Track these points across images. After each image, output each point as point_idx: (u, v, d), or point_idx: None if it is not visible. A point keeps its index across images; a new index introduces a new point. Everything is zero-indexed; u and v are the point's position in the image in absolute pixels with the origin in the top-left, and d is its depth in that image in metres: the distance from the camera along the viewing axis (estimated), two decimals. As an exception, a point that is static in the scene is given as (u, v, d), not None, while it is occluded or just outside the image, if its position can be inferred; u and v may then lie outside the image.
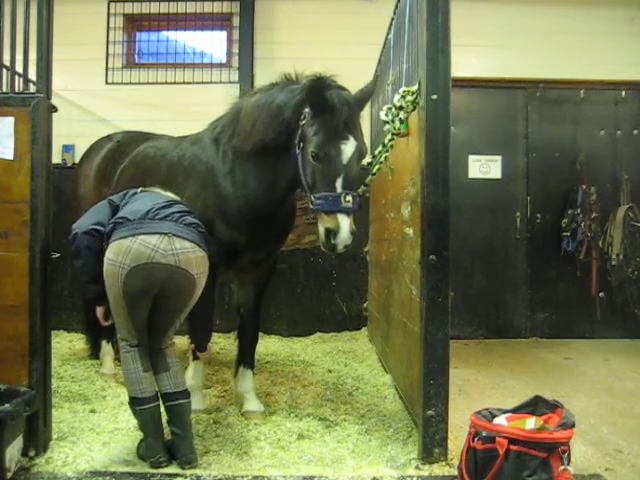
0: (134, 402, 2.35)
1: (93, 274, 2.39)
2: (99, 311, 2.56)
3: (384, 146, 3.12)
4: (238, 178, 2.82)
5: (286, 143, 2.60)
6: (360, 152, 2.51)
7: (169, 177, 3.08)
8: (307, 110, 2.50)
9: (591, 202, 5.09)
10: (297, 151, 2.53)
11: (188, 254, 2.32)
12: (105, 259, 2.30)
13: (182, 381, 2.48)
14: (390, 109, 2.86)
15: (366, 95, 2.68)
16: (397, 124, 2.85)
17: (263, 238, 2.90)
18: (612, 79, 5.14)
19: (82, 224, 2.43)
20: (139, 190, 2.62)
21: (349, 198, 2.37)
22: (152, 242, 2.26)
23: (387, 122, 2.91)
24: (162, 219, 2.35)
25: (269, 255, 3.07)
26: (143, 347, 2.41)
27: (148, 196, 2.55)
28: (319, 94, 2.43)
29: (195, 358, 3.03)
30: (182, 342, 4.76)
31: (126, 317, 2.34)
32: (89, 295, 2.52)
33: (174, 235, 2.30)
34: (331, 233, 2.38)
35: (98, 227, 2.41)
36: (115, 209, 2.51)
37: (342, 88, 2.57)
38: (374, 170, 3.36)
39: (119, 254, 2.25)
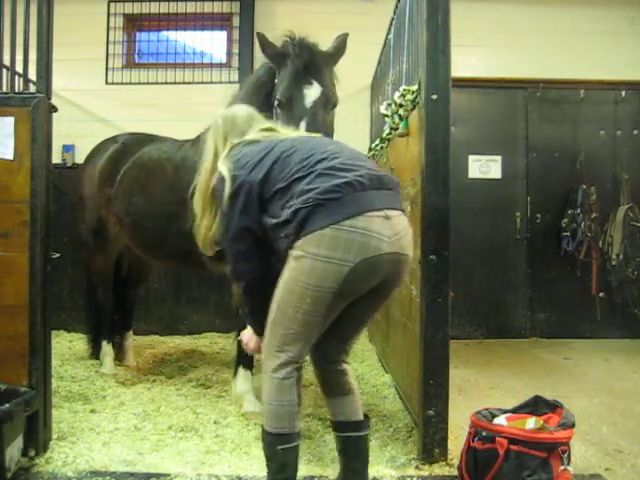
0: (277, 440, 1.82)
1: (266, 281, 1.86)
2: (257, 341, 2.01)
3: (382, 140, 3.16)
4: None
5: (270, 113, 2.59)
6: (327, 98, 2.47)
7: (176, 179, 3.13)
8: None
9: (591, 202, 5.08)
10: (274, 110, 2.52)
11: (408, 235, 1.84)
12: (307, 254, 1.71)
13: (361, 405, 2.03)
14: (390, 105, 2.87)
15: (338, 50, 2.67)
16: (396, 120, 2.87)
17: None
18: (612, 79, 5.14)
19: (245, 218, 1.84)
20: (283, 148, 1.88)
21: None
22: (375, 229, 1.71)
23: (386, 115, 2.93)
24: (367, 186, 1.76)
25: None
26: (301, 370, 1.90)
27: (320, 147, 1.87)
28: (275, 45, 2.45)
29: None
30: (182, 342, 4.77)
31: (313, 328, 1.81)
32: (255, 317, 1.95)
33: (390, 209, 1.78)
34: None
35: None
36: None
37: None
38: (369, 154, 3.37)
39: (336, 248, 1.68)
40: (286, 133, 2.02)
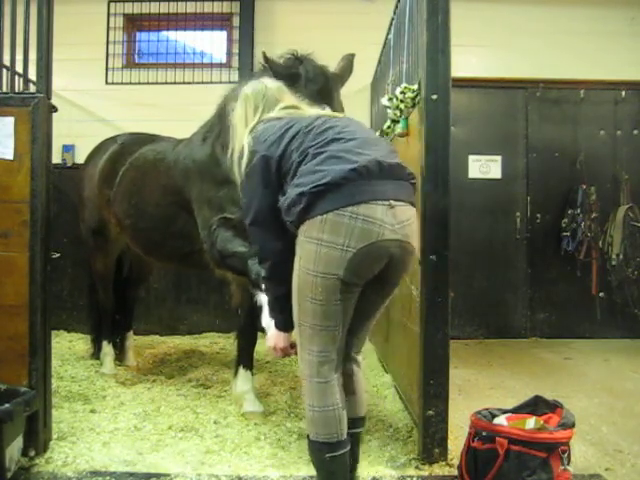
0: (324, 448, 1.77)
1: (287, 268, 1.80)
2: (285, 337, 1.93)
3: (382, 133, 3.22)
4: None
5: None
6: None
7: (168, 180, 3.14)
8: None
9: (591, 202, 5.08)
10: None
11: (412, 225, 1.81)
12: (311, 240, 1.71)
13: (364, 403, 2.00)
14: (391, 99, 2.89)
15: (346, 71, 2.67)
16: (397, 113, 2.89)
17: None
18: (612, 79, 5.13)
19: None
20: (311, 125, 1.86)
21: None
22: (377, 216, 1.70)
23: (388, 107, 2.96)
24: (374, 175, 1.73)
25: None
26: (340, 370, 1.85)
27: (338, 135, 1.82)
28: (293, 65, 2.43)
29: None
30: (182, 342, 4.77)
31: (337, 320, 1.76)
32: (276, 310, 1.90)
33: (396, 200, 1.75)
34: None
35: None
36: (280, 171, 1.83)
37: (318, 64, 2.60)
38: None
39: (338, 234, 1.68)
40: (309, 111, 2.01)
